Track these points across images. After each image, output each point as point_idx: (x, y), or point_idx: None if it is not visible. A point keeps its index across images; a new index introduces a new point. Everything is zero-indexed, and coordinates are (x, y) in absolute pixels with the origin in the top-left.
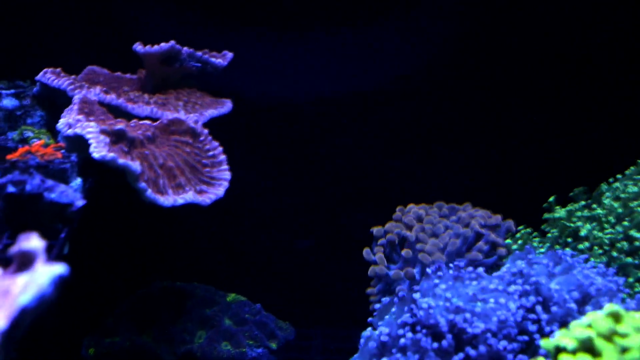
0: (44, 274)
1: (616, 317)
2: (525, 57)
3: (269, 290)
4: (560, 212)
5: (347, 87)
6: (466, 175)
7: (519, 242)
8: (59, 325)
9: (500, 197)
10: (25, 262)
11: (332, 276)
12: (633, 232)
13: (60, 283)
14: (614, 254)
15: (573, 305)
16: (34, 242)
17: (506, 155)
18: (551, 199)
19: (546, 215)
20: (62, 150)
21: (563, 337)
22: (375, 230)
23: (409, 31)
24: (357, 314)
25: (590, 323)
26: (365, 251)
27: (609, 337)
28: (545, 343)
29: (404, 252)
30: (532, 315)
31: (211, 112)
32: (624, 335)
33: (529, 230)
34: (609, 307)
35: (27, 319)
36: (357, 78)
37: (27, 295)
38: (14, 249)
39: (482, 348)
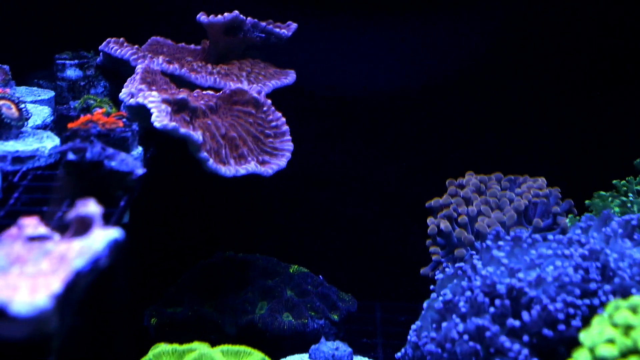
0: (99, 238)
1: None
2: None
3: (331, 262)
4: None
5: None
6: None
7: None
8: (122, 295)
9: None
10: (82, 227)
11: (395, 249)
12: None
13: (115, 247)
14: None
15: (631, 274)
16: (91, 207)
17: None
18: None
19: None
20: (124, 119)
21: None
22: (433, 202)
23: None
24: (419, 287)
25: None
26: (429, 221)
27: None
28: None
29: (457, 232)
30: (591, 283)
31: (274, 83)
32: None
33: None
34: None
35: (81, 283)
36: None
37: (81, 259)
38: (71, 214)
39: (536, 311)
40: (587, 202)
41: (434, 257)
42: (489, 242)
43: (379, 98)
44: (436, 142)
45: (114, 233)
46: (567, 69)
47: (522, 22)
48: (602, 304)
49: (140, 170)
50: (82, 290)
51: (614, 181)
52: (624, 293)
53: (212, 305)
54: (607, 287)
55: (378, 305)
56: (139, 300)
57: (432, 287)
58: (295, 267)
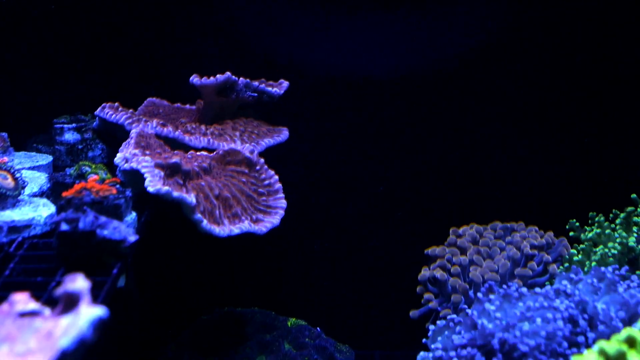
0: (85, 316)
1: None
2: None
3: (328, 314)
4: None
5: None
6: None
7: (573, 258)
8: (123, 355)
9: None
10: (70, 303)
11: (389, 299)
12: None
13: (99, 325)
14: None
15: (618, 324)
16: (79, 283)
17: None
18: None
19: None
20: (117, 186)
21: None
22: (430, 251)
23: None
24: (414, 336)
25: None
26: (421, 275)
27: None
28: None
29: (451, 281)
30: (579, 331)
31: (267, 141)
32: None
33: (582, 246)
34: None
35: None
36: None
37: (67, 338)
38: (59, 290)
39: None
40: (584, 234)
41: (429, 305)
42: (480, 295)
43: (365, 150)
44: (437, 192)
45: (98, 311)
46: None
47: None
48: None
49: (132, 238)
50: None
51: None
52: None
53: None
54: (592, 334)
55: (376, 354)
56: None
57: (424, 340)
58: (293, 320)
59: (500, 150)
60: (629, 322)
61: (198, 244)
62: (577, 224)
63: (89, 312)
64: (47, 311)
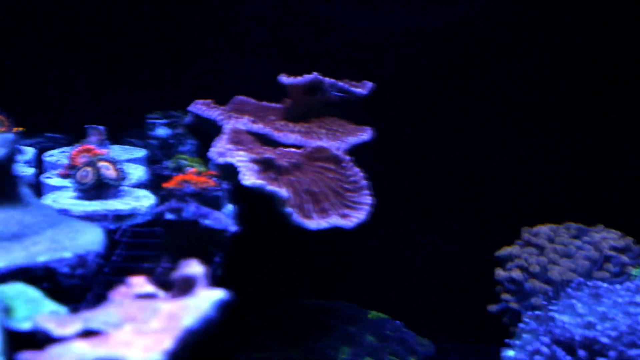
0: (207, 298)
1: None
2: None
3: (409, 308)
4: None
5: None
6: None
7: None
8: (212, 342)
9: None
10: (186, 286)
11: (471, 293)
12: None
13: (222, 306)
14: None
15: None
16: (195, 267)
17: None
18: None
19: None
20: (214, 178)
21: None
22: (505, 252)
23: None
24: (494, 330)
25: None
26: (497, 272)
27: None
28: None
29: (531, 282)
30: None
31: (352, 140)
32: None
33: None
34: None
35: (191, 341)
36: None
37: (191, 318)
38: (177, 274)
39: (612, 354)
40: None
41: (509, 304)
42: (569, 291)
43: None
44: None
45: (220, 294)
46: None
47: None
48: None
49: (233, 227)
50: (190, 349)
51: None
52: None
53: (298, 350)
54: None
55: (456, 348)
56: (229, 347)
57: (507, 340)
58: (375, 313)
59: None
60: None
61: (287, 237)
62: None
63: (210, 295)
64: (161, 294)
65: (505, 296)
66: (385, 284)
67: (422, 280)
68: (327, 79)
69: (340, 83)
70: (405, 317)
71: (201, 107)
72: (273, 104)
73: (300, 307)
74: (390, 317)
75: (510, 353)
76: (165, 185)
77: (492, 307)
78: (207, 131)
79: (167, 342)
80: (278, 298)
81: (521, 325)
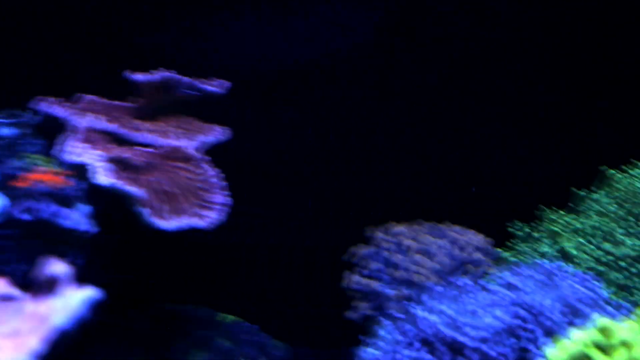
0: (76, 297)
1: (604, 331)
2: None
3: (265, 312)
4: (546, 225)
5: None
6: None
7: (508, 258)
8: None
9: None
10: (49, 286)
11: (326, 297)
12: (610, 247)
13: (92, 305)
14: (599, 267)
15: (560, 317)
16: (57, 267)
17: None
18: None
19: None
20: (68, 177)
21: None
22: (360, 249)
23: None
24: (351, 333)
25: (580, 338)
26: (348, 273)
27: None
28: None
29: (389, 270)
30: (521, 325)
31: (208, 139)
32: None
33: (516, 243)
34: (598, 320)
35: (62, 341)
36: None
37: (60, 317)
38: (37, 274)
39: (475, 357)
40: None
41: (364, 311)
42: (430, 290)
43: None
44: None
45: (90, 292)
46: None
47: None
48: (537, 347)
49: (88, 227)
50: (62, 348)
51: None
52: (550, 333)
53: (149, 357)
54: (538, 329)
55: (311, 352)
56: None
57: (363, 335)
58: (230, 317)
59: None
60: (572, 316)
61: (142, 238)
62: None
63: (79, 293)
64: (24, 296)
65: (362, 301)
66: (241, 288)
67: (279, 283)
68: (181, 76)
69: (195, 81)
70: (261, 321)
71: (50, 105)
72: (126, 104)
73: (153, 311)
74: (245, 321)
75: (370, 352)
76: (18, 184)
77: (351, 313)
78: (56, 130)
79: (35, 343)
80: (131, 302)
81: (381, 325)
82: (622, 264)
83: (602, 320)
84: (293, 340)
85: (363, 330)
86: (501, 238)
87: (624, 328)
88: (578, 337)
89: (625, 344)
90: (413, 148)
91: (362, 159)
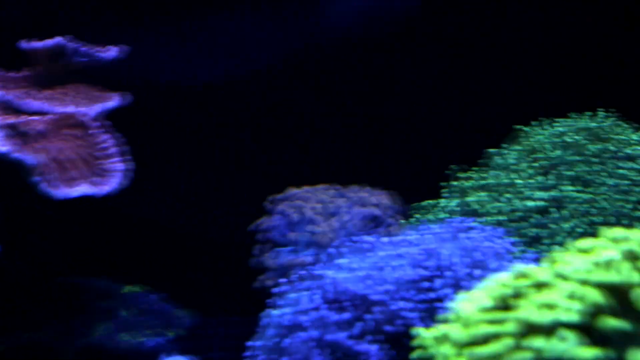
0: None
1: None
2: None
3: (166, 281)
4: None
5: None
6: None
7: (416, 215)
8: None
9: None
10: None
11: (231, 265)
12: (516, 202)
13: None
14: (507, 221)
15: (462, 269)
16: None
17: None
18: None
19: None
20: None
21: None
22: (265, 218)
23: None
24: (256, 302)
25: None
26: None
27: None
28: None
29: (294, 235)
30: (427, 278)
31: (100, 106)
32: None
33: (424, 203)
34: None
35: None
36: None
37: None
38: None
39: (379, 311)
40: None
41: (268, 273)
42: (334, 248)
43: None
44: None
45: None
46: None
47: None
48: (439, 298)
49: None
50: None
51: None
52: (456, 285)
53: (48, 331)
54: (441, 281)
55: (215, 321)
56: None
57: (270, 301)
58: (130, 287)
59: None
60: (472, 266)
61: (37, 208)
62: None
63: None
64: None
65: (269, 269)
66: (145, 259)
67: (184, 254)
68: (71, 43)
69: (85, 48)
70: (165, 291)
71: None
72: (15, 73)
73: (48, 284)
74: (146, 291)
75: (276, 312)
76: None
77: (260, 282)
78: None
79: None
80: (26, 276)
81: (288, 290)
82: (530, 217)
83: (518, 266)
84: (199, 309)
85: (270, 297)
86: (412, 197)
87: (538, 271)
88: (495, 283)
89: (543, 285)
90: (322, 112)
91: (270, 131)
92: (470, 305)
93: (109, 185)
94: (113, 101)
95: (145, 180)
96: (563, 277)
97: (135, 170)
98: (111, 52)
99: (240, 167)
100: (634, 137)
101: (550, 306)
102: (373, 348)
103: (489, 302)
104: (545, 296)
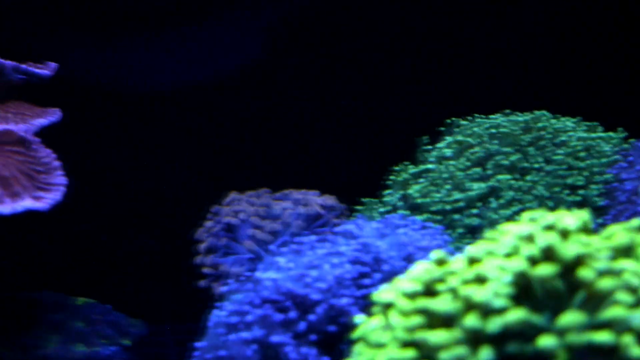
0: None
1: (441, 262)
2: None
3: (117, 291)
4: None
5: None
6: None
7: (357, 213)
8: None
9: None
10: None
11: (174, 271)
12: (456, 194)
13: None
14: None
15: (400, 262)
16: None
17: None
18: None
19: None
20: None
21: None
22: (203, 224)
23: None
24: (201, 307)
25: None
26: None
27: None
28: (376, 297)
29: (235, 239)
30: (363, 273)
31: (41, 121)
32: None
33: (365, 200)
34: (434, 253)
35: None
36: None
37: None
38: None
39: (320, 310)
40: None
41: (209, 278)
42: (272, 250)
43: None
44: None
45: None
46: None
47: None
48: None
49: None
50: None
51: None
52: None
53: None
54: (379, 275)
55: (168, 328)
56: None
57: (213, 303)
58: (83, 299)
59: None
60: (408, 260)
61: None
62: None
63: None
64: None
65: (209, 274)
66: (91, 269)
67: (128, 261)
68: (8, 62)
69: (23, 66)
70: (113, 301)
71: None
72: None
73: (0, 300)
74: (98, 302)
75: (216, 317)
76: None
77: (204, 282)
78: None
79: None
80: None
81: (228, 293)
82: (469, 208)
83: (437, 254)
84: (148, 317)
85: (213, 301)
86: (354, 196)
87: (458, 259)
88: (414, 273)
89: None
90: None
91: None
92: (392, 293)
93: (53, 199)
94: (55, 116)
95: (86, 192)
96: (490, 254)
97: (75, 183)
98: (50, 68)
99: (180, 174)
100: (569, 124)
101: (481, 279)
102: (312, 351)
103: (414, 287)
104: (473, 270)
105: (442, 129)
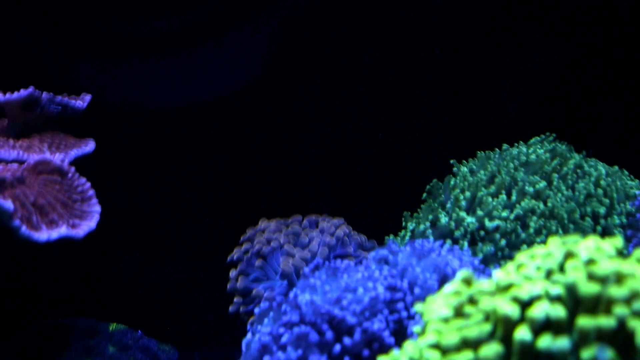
0: None
1: (468, 282)
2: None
3: (149, 317)
4: (425, 205)
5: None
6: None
7: (387, 238)
8: None
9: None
10: None
11: (209, 298)
12: (486, 221)
13: None
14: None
15: (434, 284)
16: None
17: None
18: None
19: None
20: None
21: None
22: (237, 249)
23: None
24: (237, 334)
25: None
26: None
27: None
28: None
29: (267, 265)
30: (399, 296)
31: (76, 152)
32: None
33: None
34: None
35: None
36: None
37: None
38: None
39: (357, 335)
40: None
41: (241, 309)
42: (306, 273)
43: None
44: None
45: None
46: None
47: None
48: (409, 317)
49: None
50: None
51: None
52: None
53: None
54: (410, 298)
55: (197, 355)
56: None
57: (248, 327)
58: (115, 324)
59: None
60: (441, 282)
61: (19, 253)
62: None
63: None
64: None
65: (243, 298)
66: (123, 294)
67: (160, 287)
68: (44, 93)
69: (59, 97)
70: (144, 327)
71: None
72: None
73: (34, 327)
74: (130, 328)
75: (254, 342)
76: None
77: (233, 308)
78: None
79: None
80: (9, 319)
81: (262, 307)
82: (496, 235)
83: (464, 273)
84: (179, 343)
85: (245, 326)
86: (382, 224)
87: (484, 281)
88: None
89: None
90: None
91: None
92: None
93: (89, 225)
94: (89, 146)
95: (118, 219)
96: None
97: (110, 211)
98: (85, 99)
99: (211, 203)
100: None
101: (516, 300)
102: None
103: (447, 312)
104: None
105: (470, 158)
